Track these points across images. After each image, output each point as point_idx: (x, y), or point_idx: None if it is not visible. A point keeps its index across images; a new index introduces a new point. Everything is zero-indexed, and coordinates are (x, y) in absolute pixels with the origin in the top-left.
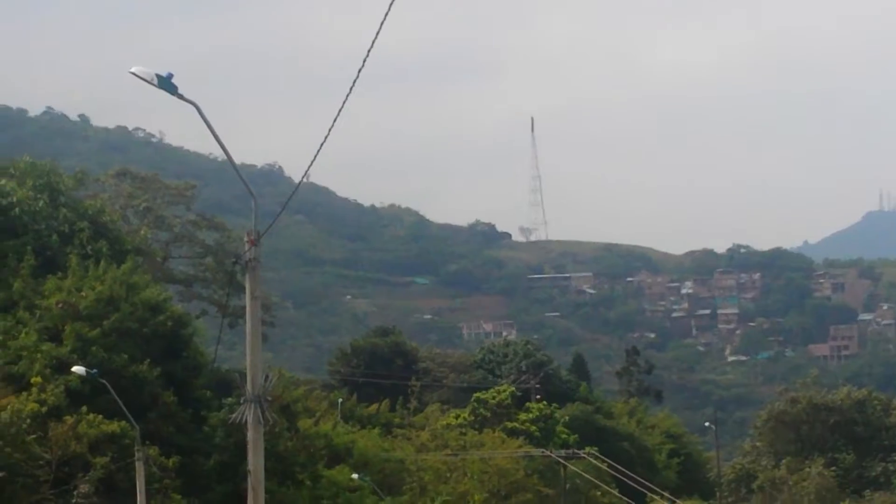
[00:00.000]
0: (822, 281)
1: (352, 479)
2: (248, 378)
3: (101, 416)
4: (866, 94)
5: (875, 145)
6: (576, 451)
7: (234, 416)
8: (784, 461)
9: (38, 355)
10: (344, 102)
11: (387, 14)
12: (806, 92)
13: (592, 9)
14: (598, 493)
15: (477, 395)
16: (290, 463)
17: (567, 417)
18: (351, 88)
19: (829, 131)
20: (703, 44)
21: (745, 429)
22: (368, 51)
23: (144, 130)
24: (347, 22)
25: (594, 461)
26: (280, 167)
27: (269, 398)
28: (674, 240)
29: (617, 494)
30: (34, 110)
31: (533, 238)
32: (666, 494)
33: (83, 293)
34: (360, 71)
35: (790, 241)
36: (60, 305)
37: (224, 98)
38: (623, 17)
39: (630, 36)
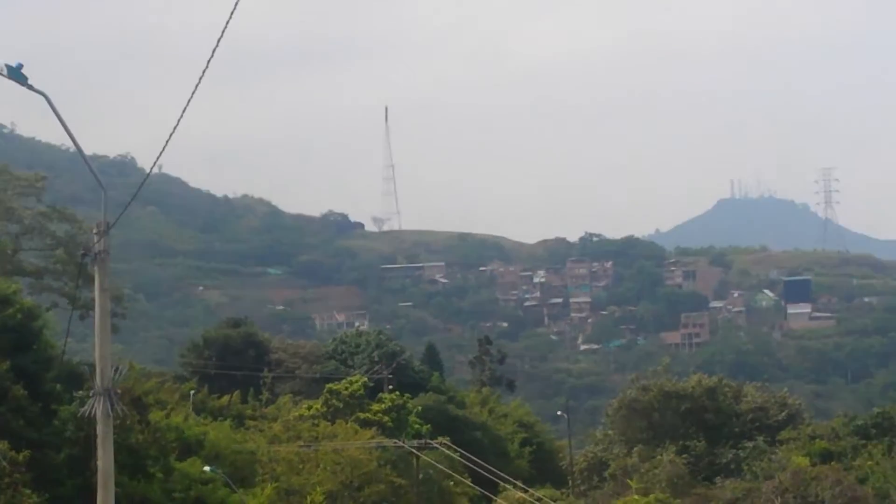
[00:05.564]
0: (673, 269)
1: (203, 472)
2: (97, 371)
3: None
4: (721, 85)
5: (728, 134)
6: (428, 441)
7: (83, 409)
8: (636, 449)
9: None
10: (194, 91)
11: (237, 3)
12: (660, 82)
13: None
14: (451, 482)
15: (329, 385)
16: (141, 456)
17: (420, 407)
18: (200, 78)
19: (684, 120)
20: (563, 35)
21: (597, 417)
22: (219, 40)
23: None
24: (201, 10)
25: (447, 451)
26: (133, 158)
27: (119, 391)
28: (527, 229)
29: (470, 484)
30: None
31: (386, 228)
32: (518, 483)
33: None
34: (209, 61)
35: (642, 229)
36: None
37: (77, 88)
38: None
39: (493, 23)
